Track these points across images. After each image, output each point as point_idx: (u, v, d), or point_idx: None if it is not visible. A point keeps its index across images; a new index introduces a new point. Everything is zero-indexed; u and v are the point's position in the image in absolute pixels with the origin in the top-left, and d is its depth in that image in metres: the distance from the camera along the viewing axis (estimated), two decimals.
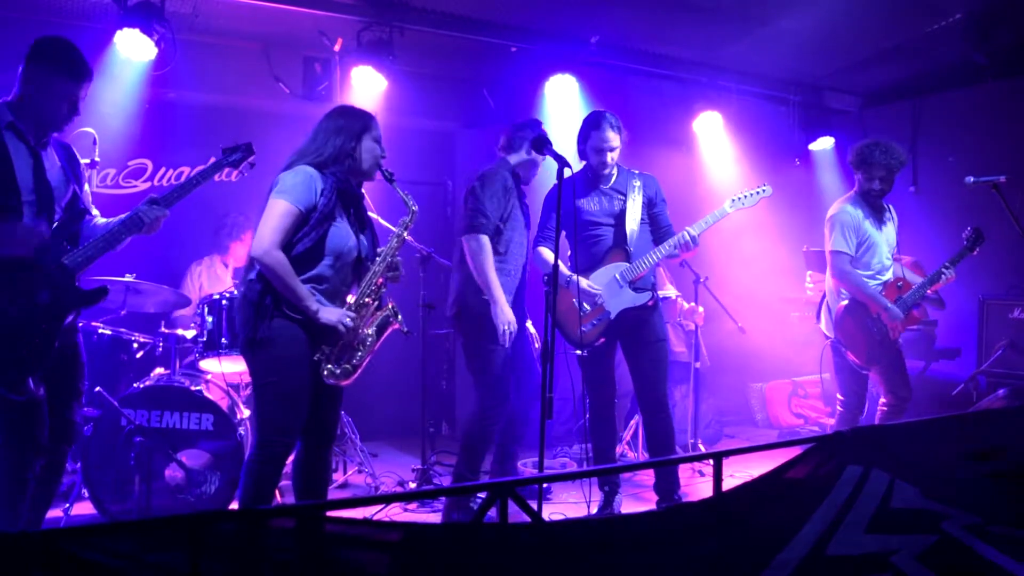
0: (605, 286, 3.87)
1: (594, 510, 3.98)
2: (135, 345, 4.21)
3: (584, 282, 3.84)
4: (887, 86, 6.46)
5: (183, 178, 5.06)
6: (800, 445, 2.41)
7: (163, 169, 5.22)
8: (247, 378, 3.85)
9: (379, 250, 3.00)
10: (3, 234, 2.67)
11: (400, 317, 3.01)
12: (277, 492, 3.13)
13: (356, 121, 2.93)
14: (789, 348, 6.13)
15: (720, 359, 5.91)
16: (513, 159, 3.95)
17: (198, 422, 3.77)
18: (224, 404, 3.95)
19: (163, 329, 4.15)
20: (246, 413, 4.08)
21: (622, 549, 2.01)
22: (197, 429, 3.77)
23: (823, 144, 6.42)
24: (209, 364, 4.15)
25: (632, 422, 5.19)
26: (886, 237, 4.25)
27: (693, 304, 5.32)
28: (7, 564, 1.39)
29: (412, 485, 4.49)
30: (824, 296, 4.38)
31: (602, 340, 3.94)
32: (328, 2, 4.65)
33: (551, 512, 3.98)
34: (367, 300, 2.92)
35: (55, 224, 2.81)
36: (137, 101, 4.74)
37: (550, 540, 1.99)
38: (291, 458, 2.96)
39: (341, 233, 2.84)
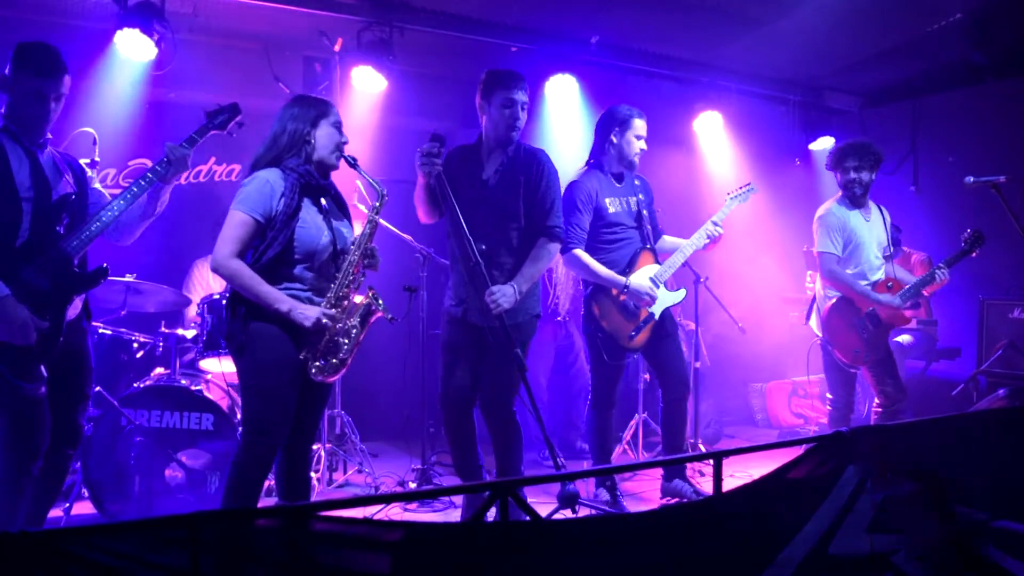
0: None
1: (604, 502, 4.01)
2: (135, 345, 4.21)
3: (643, 282, 3.90)
4: (887, 86, 6.46)
5: (183, 179, 5.06)
6: (800, 445, 2.41)
7: None
8: None
9: (352, 239, 2.94)
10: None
11: (382, 303, 2.94)
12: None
13: (311, 108, 2.88)
14: (789, 348, 6.12)
15: (720, 359, 5.91)
16: None
17: (198, 422, 3.77)
18: (224, 404, 3.94)
19: (163, 329, 4.15)
20: None
21: (622, 548, 2.01)
22: (197, 429, 3.76)
23: (823, 144, 6.42)
24: (209, 364, 4.15)
25: (632, 422, 5.19)
26: (875, 237, 4.27)
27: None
28: (8, 564, 1.39)
29: (412, 485, 4.49)
30: (814, 297, 4.43)
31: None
32: (328, 2, 4.65)
33: (551, 512, 3.98)
34: (346, 291, 2.86)
35: (57, 221, 2.81)
36: (137, 101, 4.74)
37: (550, 540, 1.98)
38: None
39: (310, 232, 2.79)
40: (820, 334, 4.32)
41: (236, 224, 2.72)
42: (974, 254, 4.25)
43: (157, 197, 2.99)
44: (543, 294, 5.16)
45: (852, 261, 4.23)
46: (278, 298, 2.71)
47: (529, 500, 2.07)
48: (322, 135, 2.86)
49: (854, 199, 4.26)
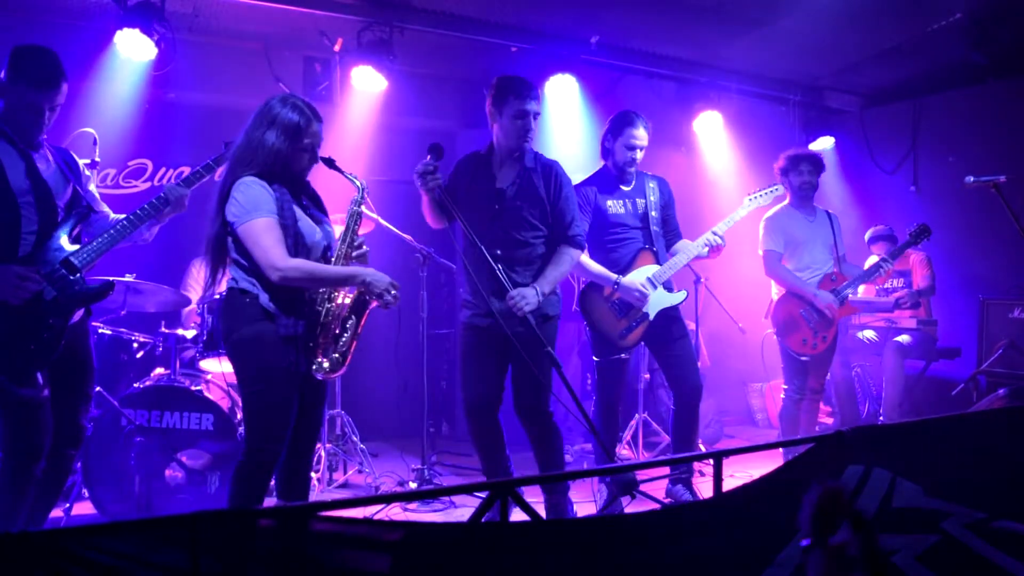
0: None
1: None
2: (135, 345, 4.21)
3: (635, 280, 3.83)
4: (887, 86, 6.46)
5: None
6: (800, 445, 2.41)
7: (163, 169, 5.21)
8: None
9: (337, 233, 2.92)
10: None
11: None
12: None
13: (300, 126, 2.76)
14: None
15: (720, 359, 5.91)
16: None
17: (198, 422, 3.77)
18: (224, 404, 3.94)
19: (163, 329, 4.15)
20: None
21: (623, 548, 2.01)
22: (197, 429, 3.76)
23: (823, 144, 6.42)
24: (209, 364, 4.14)
25: (632, 422, 5.19)
26: (820, 238, 4.54)
27: None
28: (9, 564, 1.39)
29: (412, 485, 4.49)
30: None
31: (641, 342, 3.97)
32: (328, 2, 4.65)
33: (607, 500, 3.97)
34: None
35: (59, 222, 2.82)
36: (137, 101, 4.74)
37: (550, 540, 1.99)
38: None
39: (308, 228, 2.77)
40: (773, 328, 4.59)
41: (266, 229, 2.62)
42: (919, 245, 4.57)
43: (146, 231, 3.04)
44: (570, 295, 5.20)
45: (795, 258, 4.51)
46: (347, 272, 2.73)
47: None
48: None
49: (802, 201, 4.55)
